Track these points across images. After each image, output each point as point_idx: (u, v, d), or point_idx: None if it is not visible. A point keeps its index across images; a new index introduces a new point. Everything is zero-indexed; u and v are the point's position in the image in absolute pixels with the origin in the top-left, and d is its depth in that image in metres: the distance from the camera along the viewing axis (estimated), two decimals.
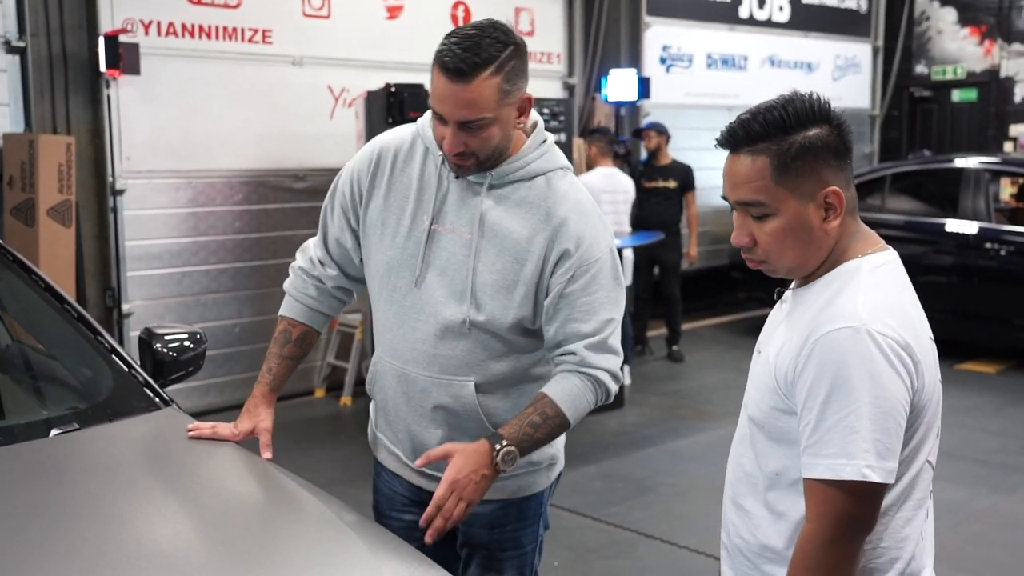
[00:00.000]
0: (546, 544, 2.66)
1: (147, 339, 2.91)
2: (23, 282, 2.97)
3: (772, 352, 1.86)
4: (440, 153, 2.30)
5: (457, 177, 2.31)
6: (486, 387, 2.36)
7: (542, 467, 2.47)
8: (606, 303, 2.32)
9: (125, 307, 6.77)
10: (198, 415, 2.70)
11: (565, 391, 2.28)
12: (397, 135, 2.48)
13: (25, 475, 2.27)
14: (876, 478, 1.67)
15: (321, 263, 2.53)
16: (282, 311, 2.56)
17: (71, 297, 3.05)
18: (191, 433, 2.44)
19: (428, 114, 2.38)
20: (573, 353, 2.30)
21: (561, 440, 2.51)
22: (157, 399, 2.68)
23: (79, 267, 6.46)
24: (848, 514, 1.71)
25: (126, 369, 2.76)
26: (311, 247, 2.58)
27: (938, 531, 1.90)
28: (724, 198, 1.87)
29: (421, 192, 2.37)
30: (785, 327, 1.87)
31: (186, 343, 2.94)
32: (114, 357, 2.79)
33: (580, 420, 2.33)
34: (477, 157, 2.24)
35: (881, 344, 1.69)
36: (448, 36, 2.20)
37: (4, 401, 2.78)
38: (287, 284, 2.57)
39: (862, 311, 1.72)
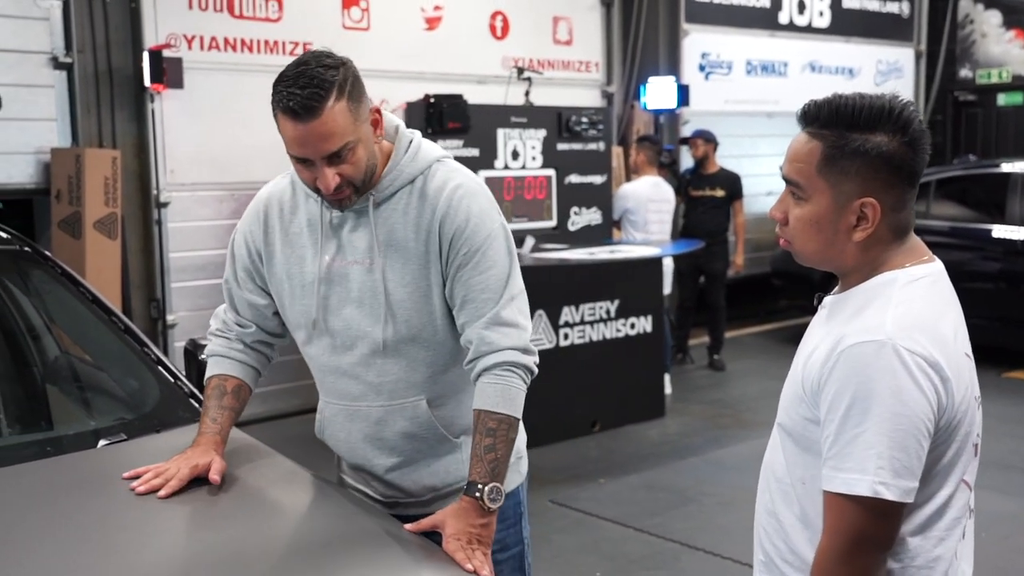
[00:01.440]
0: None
1: (192, 350, 2.92)
2: (71, 294, 3.01)
3: (802, 359, 1.84)
4: (318, 197, 2.30)
5: (341, 211, 2.28)
6: (437, 400, 2.35)
7: (510, 464, 2.38)
8: (505, 281, 2.28)
9: (169, 318, 6.85)
10: (241, 425, 2.71)
11: (490, 396, 2.22)
12: (276, 187, 2.47)
13: (74, 485, 2.29)
14: (890, 496, 1.64)
15: (238, 324, 2.50)
16: (209, 372, 2.49)
17: (117, 308, 3.09)
18: (160, 495, 2.18)
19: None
20: (471, 338, 2.26)
21: (522, 438, 2.47)
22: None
23: (124, 279, 6.55)
24: (861, 530, 1.69)
25: (172, 380, 2.79)
26: (222, 312, 2.56)
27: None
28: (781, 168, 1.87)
29: (314, 235, 2.35)
30: (818, 335, 1.84)
31: None
32: (160, 368, 2.82)
33: (523, 409, 2.28)
34: (354, 184, 2.21)
35: (907, 360, 1.66)
36: (278, 82, 2.18)
37: (53, 412, 2.83)
38: (207, 351, 2.52)
39: (890, 325, 1.69)
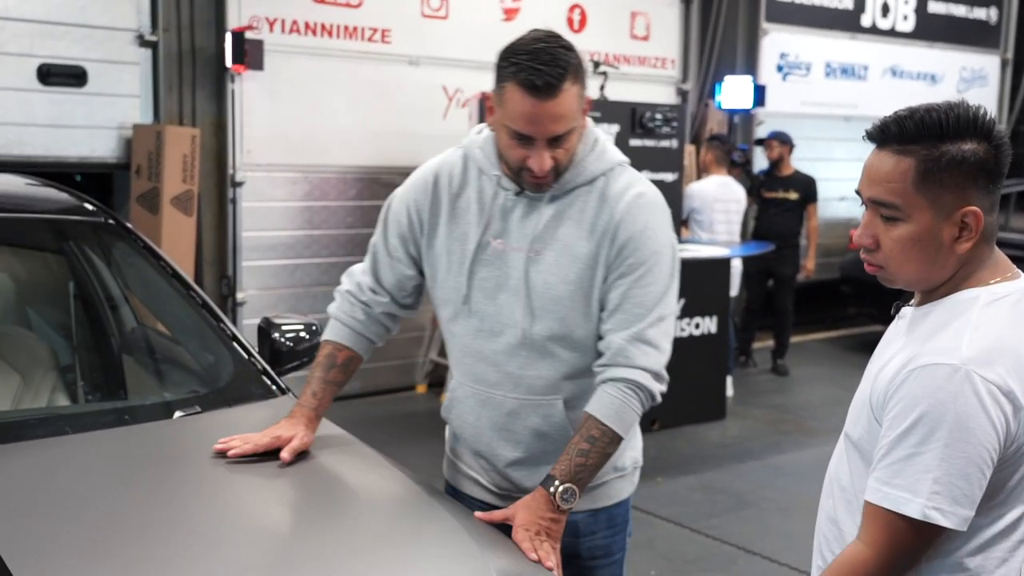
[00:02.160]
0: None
1: (266, 328, 2.98)
2: (151, 267, 3.06)
3: (873, 372, 1.82)
4: (496, 173, 2.29)
5: (535, 192, 2.25)
6: (573, 402, 2.31)
7: (627, 472, 2.44)
8: (660, 299, 2.25)
9: (239, 295, 6.96)
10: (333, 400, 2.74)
11: (607, 406, 2.19)
12: (446, 160, 2.44)
13: (148, 454, 2.34)
14: (946, 523, 1.63)
15: (372, 291, 2.48)
16: (327, 335, 2.50)
17: (194, 284, 3.14)
18: (230, 453, 2.27)
19: (476, 137, 2.38)
20: (611, 346, 2.23)
21: (640, 443, 2.49)
22: (274, 387, 2.73)
23: (198, 255, 6.64)
24: (907, 549, 1.68)
25: (246, 357, 2.82)
26: (358, 272, 2.53)
27: None
28: (857, 192, 1.79)
29: (482, 215, 2.32)
30: (892, 349, 1.81)
31: (302, 334, 3.00)
32: (235, 344, 2.86)
33: (632, 428, 2.28)
34: (558, 170, 2.21)
35: (979, 388, 1.63)
36: (513, 54, 2.15)
37: (129, 382, 2.89)
38: (332, 308, 2.52)
39: (966, 350, 1.65)
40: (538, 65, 2.08)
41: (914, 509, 1.63)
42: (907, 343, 1.76)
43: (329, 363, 2.45)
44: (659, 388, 2.25)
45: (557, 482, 2.13)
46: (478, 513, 2.19)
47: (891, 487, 1.66)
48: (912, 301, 1.86)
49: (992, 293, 1.74)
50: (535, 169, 2.16)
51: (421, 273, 2.44)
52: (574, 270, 2.26)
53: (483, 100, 6.78)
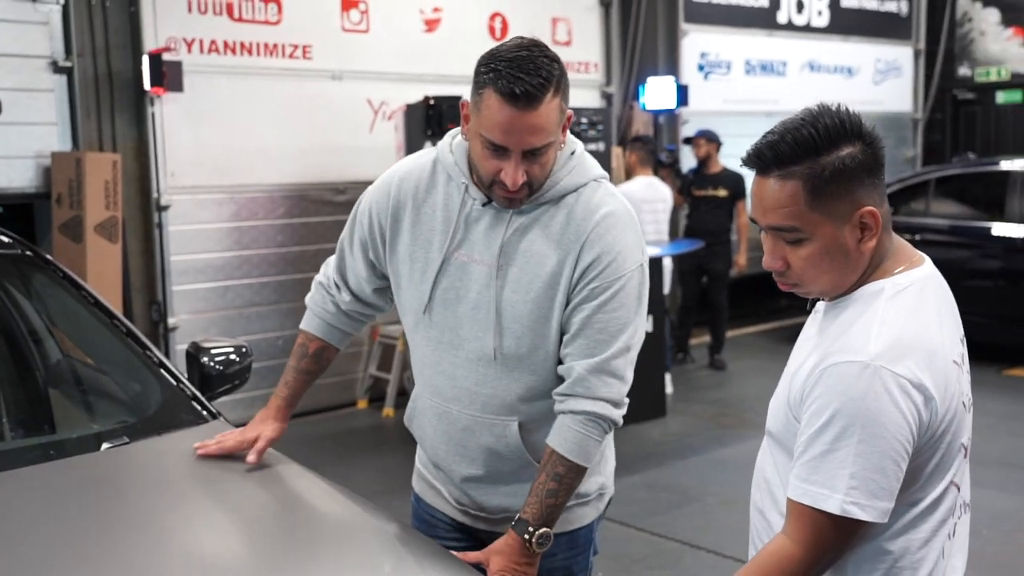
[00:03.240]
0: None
1: (194, 353, 2.93)
2: (72, 297, 3.01)
3: (791, 371, 1.84)
4: (464, 181, 2.20)
5: (505, 207, 2.16)
6: (529, 425, 2.25)
7: (591, 499, 2.38)
8: (624, 327, 2.17)
9: (171, 320, 6.85)
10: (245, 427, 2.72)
11: (569, 440, 2.13)
12: (416, 164, 2.34)
13: (77, 488, 2.29)
14: (865, 517, 1.65)
15: (337, 287, 2.46)
16: (302, 324, 2.52)
17: (119, 312, 3.09)
18: (199, 452, 2.39)
19: (450, 142, 2.28)
20: (571, 373, 2.16)
21: (611, 467, 2.44)
22: (205, 412, 2.69)
23: (125, 282, 6.55)
24: (830, 544, 1.70)
25: (174, 383, 2.78)
26: (331, 264, 2.51)
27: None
28: (752, 220, 1.79)
29: (447, 223, 2.23)
30: (806, 348, 1.84)
31: (232, 356, 2.96)
32: (162, 371, 2.81)
33: (600, 455, 2.27)
34: (531, 186, 2.12)
35: (889, 384, 1.65)
36: (494, 60, 2.03)
37: (55, 415, 2.83)
38: (308, 298, 2.53)
39: (874, 346, 1.67)
40: (519, 73, 1.98)
41: (833, 505, 1.65)
42: (819, 342, 1.78)
43: (301, 353, 2.49)
44: (620, 413, 2.19)
45: (531, 528, 2.10)
46: (455, 553, 2.15)
47: (810, 484, 1.68)
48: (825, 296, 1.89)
49: (896, 284, 1.76)
50: (508, 183, 2.07)
51: (383, 277, 2.39)
52: (536, 287, 2.17)
53: (407, 112, 6.78)
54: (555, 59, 2.05)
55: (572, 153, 2.23)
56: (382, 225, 2.31)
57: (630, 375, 2.21)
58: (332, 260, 2.50)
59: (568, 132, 2.22)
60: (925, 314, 1.75)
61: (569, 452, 2.12)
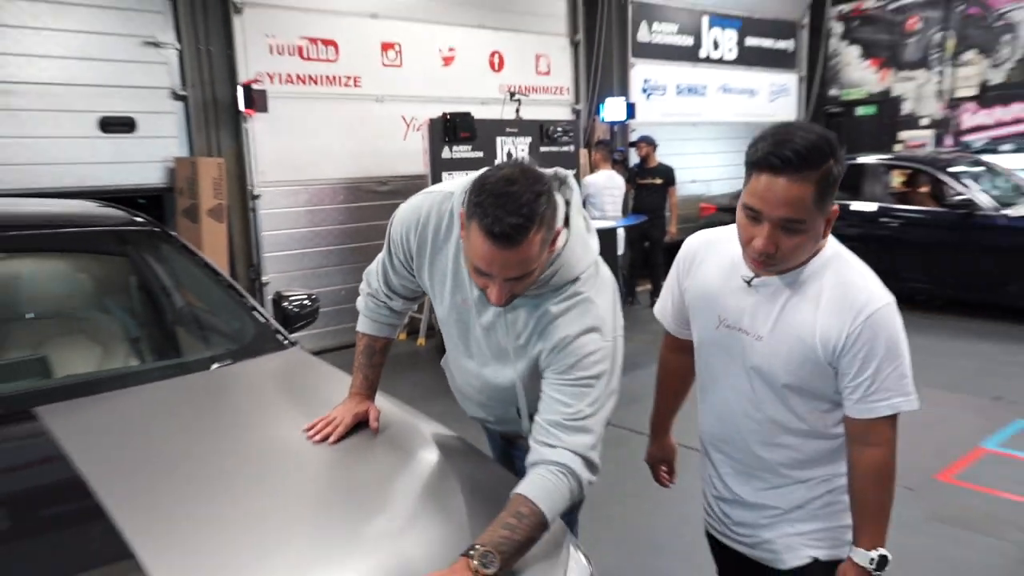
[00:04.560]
0: None
1: (278, 300, 2.95)
2: (190, 261, 3.03)
3: (796, 332, 1.66)
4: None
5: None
6: (533, 406, 1.85)
7: None
8: (588, 408, 1.71)
9: (264, 278, 6.85)
10: (316, 353, 2.73)
11: (538, 486, 1.63)
12: (441, 207, 1.87)
13: (195, 394, 2.32)
14: (918, 404, 1.65)
15: (387, 296, 2.09)
16: (361, 329, 2.14)
17: (224, 272, 3.09)
18: (330, 441, 1.97)
19: (460, 190, 1.79)
20: (544, 427, 1.70)
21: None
22: (286, 342, 2.71)
23: (231, 251, 6.55)
24: (895, 437, 1.68)
25: (263, 321, 2.80)
26: (374, 279, 2.10)
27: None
28: (751, 209, 1.57)
29: (456, 276, 1.88)
30: (805, 311, 1.66)
31: (305, 302, 2.98)
32: (255, 313, 2.83)
33: (558, 514, 1.66)
34: (516, 295, 1.70)
35: (896, 312, 1.64)
36: (483, 192, 1.56)
37: (180, 344, 2.86)
38: (360, 304, 2.14)
39: (881, 288, 1.64)
40: (502, 213, 1.53)
41: (913, 404, 1.63)
42: (816, 305, 1.65)
43: (370, 351, 2.14)
44: (587, 478, 1.70)
45: (478, 545, 1.53)
46: None
47: (888, 400, 1.62)
48: (749, 274, 1.71)
49: (837, 246, 1.70)
50: (491, 299, 1.67)
51: None
52: (524, 355, 1.81)
53: (431, 125, 6.75)
54: (540, 192, 1.58)
55: (558, 258, 1.74)
56: (410, 250, 1.94)
57: (600, 430, 1.74)
58: (374, 273, 2.11)
59: (562, 234, 1.75)
60: None
61: (537, 497, 1.62)
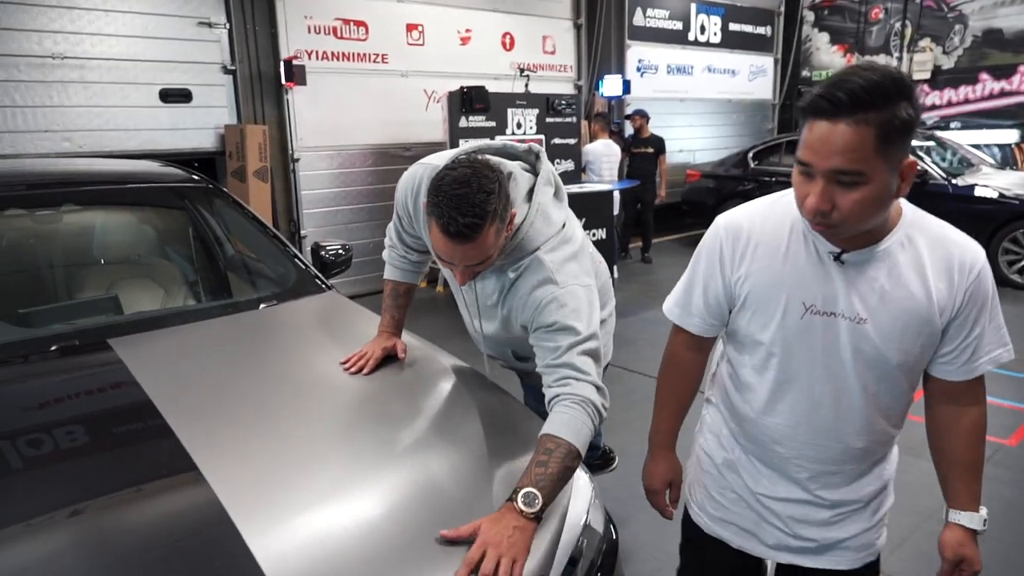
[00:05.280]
0: None
1: (316, 249, 2.93)
2: (240, 215, 3.01)
3: (918, 306, 1.31)
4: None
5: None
6: (514, 351, 1.94)
7: None
8: (576, 341, 1.62)
9: (303, 232, 6.83)
10: (351, 297, 2.72)
11: (556, 422, 1.53)
12: (428, 178, 1.77)
13: (245, 331, 2.31)
14: (1014, 355, 1.39)
15: (404, 248, 2.08)
16: (387, 276, 2.12)
17: (269, 224, 3.07)
18: (364, 372, 1.96)
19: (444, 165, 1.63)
20: (543, 374, 1.63)
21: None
22: (323, 285, 2.70)
23: (274, 208, 6.53)
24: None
25: (304, 267, 2.79)
26: (393, 234, 2.08)
27: None
28: (803, 163, 1.21)
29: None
30: (909, 277, 1.31)
31: (340, 251, 2.96)
32: (296, 260, 2.82)
33: (587, 443, 1.53)
34: (479, 272, 1.67)
35: None
36: (439, 194, 1.51)
37: (231, 287, 2.86)
38: (385, 255, 2.13)
39: (972, 239, 1.33)
40: (456, 215, 1.49)
41: (1011, 352, 1.36)
42: (923, 271, 1.31)
43: (396, 295, 2.12)
44: (601, 402, 1.59)
45: (518, 488, 1.42)
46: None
47: (998, 348, 1.36)
48: (848, 249, 1.33)
49: (918, 216, 1.35)
50: (457, 279, 1.65)
51: None
52: (495, 315, 1.79)
53: (449, 97, 6.65)
54: (491, 192, 1.51)
55: (516, 232, 1.68)
56: (408, 214, 1.94)
57: (594, 370, 1.62)
58: (392, 230, 2.08)
59: (522, 208, 1.69)
60: None
61: (559, 431, 1.52)
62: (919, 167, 7.28)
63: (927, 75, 10.81)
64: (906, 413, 1.46)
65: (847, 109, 1.14)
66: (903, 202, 1.33)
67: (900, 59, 11.07)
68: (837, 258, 1.32)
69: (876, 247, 1.31)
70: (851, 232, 1.26)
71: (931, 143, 8.01)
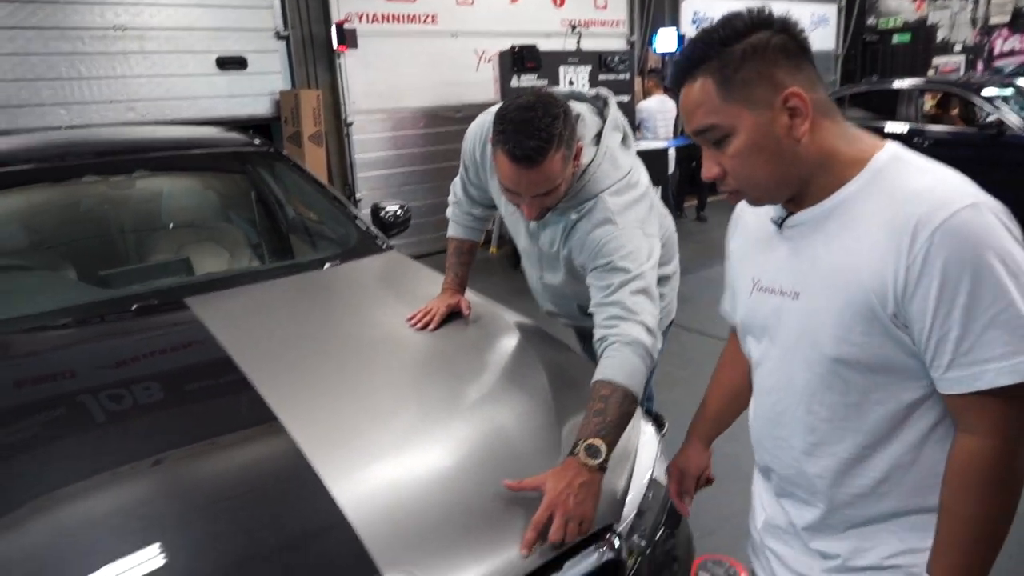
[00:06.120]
0: None
1: (375, 210, 2.98)
2: (301, 177, 3.06)
3: (849, 279, 1.00)
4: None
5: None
6: (578, 303, 1.97)
7: None
8: (633, 278, 1.61)
9: (358, 195, 6.90)
10: (413, 256, 2.74)
11: (607, 367, 1.50)
12: (477, 130, 1.88)
13: (310, 290, 2.36)
14: None
15: (469, 204, 2.09)
16: (451, 233, 2.14)
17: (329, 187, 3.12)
18: (430, 328, 1.98)
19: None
20: (595, 313, 1.62)
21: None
22: (384, 245, 2.73)
23: (329, 171, 6.59)
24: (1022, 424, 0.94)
25: (364, 228, 2.83)
26: (458, 190, 2.08)
27: None
28: (686, 135, 1.17)
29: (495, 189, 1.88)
30: (843, 247, 1.02)
31: (398, 212, 3.00)
32: (357, 221, 2.86)
33: (642, 385, 1.51)
34: (548, 209, 1.69)
35: (1001, 216, 0.93)
36: (504, 121, 1.53)
37: (294, 248, 2.91)
38: (449, 213, 2.14)
39: (963, 185, 0.94)
40: (523, 138, 1.50)
41: None
42: (862, 235, 1.00)
43: (459, 252, 2.13)
44: (648, 340, 1.55)
45: (579, 440, 1.39)
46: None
47: (995, 360, 0.92)
48: (781, 213, 1.11)
49: (897, 147, 1.05)
50: (525, 215, 1.67)
51: None
52: (560, 269, 1.82)
53: (500, 57, 6.58)
54: (557, 116, 1.52)
55: (585, 170, 1.69)
56: (476, 163, 1.96)
57: (650, 308, 1.60)
58: (458, 185, 2.08)
59: (589, 151, 1.70)
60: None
61: (612, 376, 1.49)
62: (995, 117, 6.96)
63: (1007, 18, 10.20)
64: (886, 445, 1.04)
65: (684, 70, 1.04)
66: (884, 144, 1.05)
67: (976, 1, 10.45)
68: (779, 224, 1.11)
69: (824, 204, 1.05)
70: (759, 194, 1.06)
71: (1009, 91, 7.60)
